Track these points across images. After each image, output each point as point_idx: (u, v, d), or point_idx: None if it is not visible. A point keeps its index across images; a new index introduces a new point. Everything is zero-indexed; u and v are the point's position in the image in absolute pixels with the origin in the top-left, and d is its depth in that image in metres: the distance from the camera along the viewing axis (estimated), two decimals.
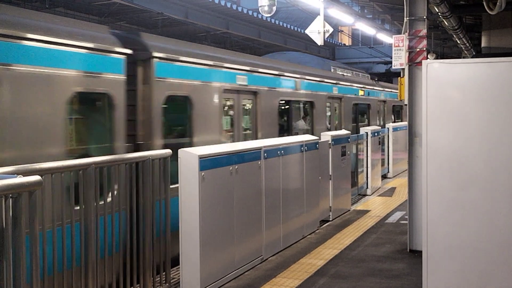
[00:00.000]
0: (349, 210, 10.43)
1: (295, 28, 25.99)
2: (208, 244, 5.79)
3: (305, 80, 12.49)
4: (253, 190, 6.83)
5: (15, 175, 3.52)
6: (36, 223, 3.52)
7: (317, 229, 8.75)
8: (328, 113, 14.30)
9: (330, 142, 9.51)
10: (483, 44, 14.31)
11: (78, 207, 4.83)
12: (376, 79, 20.49)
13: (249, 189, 6.74)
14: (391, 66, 9.13)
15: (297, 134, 11.76)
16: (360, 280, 6.25)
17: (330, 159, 9.53)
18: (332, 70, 15.95)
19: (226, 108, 9.15)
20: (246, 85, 9.69)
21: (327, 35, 11.50)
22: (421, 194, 5.82)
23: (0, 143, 5.17)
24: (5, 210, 3.29)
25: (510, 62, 4.79)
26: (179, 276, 5.89)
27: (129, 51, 6.80)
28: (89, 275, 4.86)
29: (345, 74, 16.38)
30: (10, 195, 3.32)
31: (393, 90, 20.33)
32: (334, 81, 14.58)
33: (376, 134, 13.34)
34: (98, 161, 5.02)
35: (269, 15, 12.39)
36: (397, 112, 21.87)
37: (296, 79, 12.00)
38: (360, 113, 17.22)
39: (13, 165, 4.20)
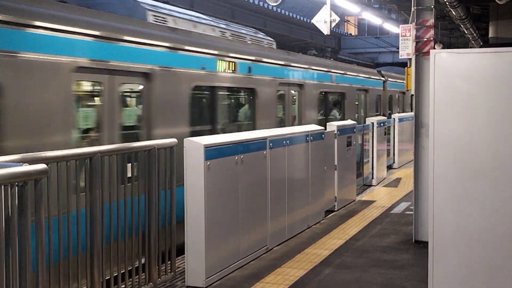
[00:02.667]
0: (354, 201, 10.42)
1: (301, 18, 25.87)
2: (213, 234, 5.80)
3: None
4: (259, 180, 6.82)
5: (21, 163, 3.52)
6: (42, 211, 3.52)
7: (322, 219, 8.74)
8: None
9: (335, 132, 9.49)
10: (490, 34, 14.19)
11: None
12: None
13: (255, 179, 6.73)
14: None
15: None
16: (364, 271, 6.25)
17: (336, 149, 9.51)
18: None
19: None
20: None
21: (333, 24, 11.45)
22: (427, 184, 5.80)
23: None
24: (11, 198, 3.30)
25: None
26: (184, 265, 5.91)
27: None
28: (94, 263, 4.87)
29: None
30: (16, 183, 3.32)
31: None
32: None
33: (382, 124, 13.29)
34: (103, 150, 5.02)
35: (275, 4, 12.36)
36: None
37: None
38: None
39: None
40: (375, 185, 12.49)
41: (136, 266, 5.46)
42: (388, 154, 14.68)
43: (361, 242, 7.47)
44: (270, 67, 10.52)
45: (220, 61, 8.68)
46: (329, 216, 9.08)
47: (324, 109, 14.08)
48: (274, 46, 11.82)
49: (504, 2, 8.63)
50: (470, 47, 18.91)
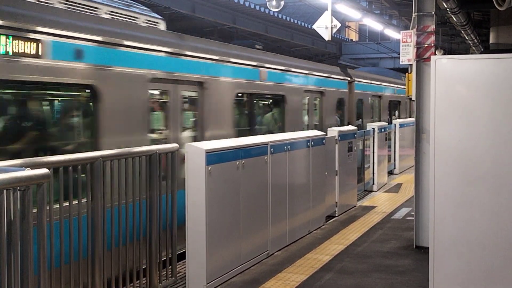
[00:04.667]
0: (355, 206, 10.42)
1: (302, 24, 25.93)
2: (214, 239, 5.81)
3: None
4: (260, 185, 6.83)
5: (23, 168, 3.53)
6: (44, 216, 3.53)
7: (323, 225, 8.75)
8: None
9: (336, 137, 9.50)
10: (491, 40, 14.23)
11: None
12: None
13: (256, 184, 6.74)
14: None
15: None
16: (365, 276, 6.25)
17: (337, 155, 9.52)
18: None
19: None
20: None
21: (334, 30, 11.49)
22: (427, 190, 5.81)
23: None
24: (13, 203, 3.31)
25: None
26: (185, 270, 5.91)
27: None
28: (95, 268, 4.88)
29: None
30: (18, 187, 3.33)
31: None
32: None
33: (382, 130, 13.31)
34: (105, 154, 5.04)
35: (277, 10, 12.42)
36: None
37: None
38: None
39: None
40: (376, 191, 12.49)
41: (137, 270, 5.46)
42: (389, 160, 14.69)
43: (362, 247, 7.47)
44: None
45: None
46: (330, 221, 9.08)
47: None
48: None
49: (505, 8, 8.64)
50: (471, 53, 18.95)
